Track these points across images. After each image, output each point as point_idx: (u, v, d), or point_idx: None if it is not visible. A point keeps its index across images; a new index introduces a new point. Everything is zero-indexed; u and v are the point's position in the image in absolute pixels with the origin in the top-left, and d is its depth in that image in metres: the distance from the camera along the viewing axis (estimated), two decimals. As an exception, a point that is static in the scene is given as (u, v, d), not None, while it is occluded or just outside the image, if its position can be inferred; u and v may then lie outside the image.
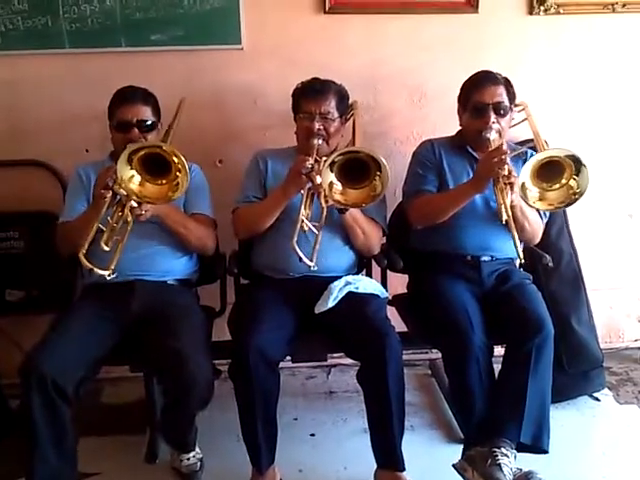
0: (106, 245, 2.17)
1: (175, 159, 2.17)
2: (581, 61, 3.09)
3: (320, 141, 2.48)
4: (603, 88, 3.13)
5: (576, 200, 2.29)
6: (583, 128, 3.13)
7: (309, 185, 2.32)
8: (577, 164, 2.24)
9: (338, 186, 2.27)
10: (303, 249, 2.25)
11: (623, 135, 3.19)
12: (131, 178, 2.18)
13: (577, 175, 2.26)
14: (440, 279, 2.53)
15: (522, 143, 2.78)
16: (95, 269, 2.15)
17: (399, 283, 2.81)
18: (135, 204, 2.21)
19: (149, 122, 2.47)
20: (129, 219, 2.22)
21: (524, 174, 2.26)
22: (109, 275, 2.17)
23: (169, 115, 2.61)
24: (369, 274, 2.78)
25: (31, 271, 2.91)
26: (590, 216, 3.15)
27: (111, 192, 2.18)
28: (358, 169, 2.25)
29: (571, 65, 3.09)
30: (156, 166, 2.19)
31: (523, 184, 2.26)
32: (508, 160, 2.28)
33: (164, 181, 2.22)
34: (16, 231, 2.92)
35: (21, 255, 2.92)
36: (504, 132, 2.51)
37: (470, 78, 2.58)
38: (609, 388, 3.05)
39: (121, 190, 2.17)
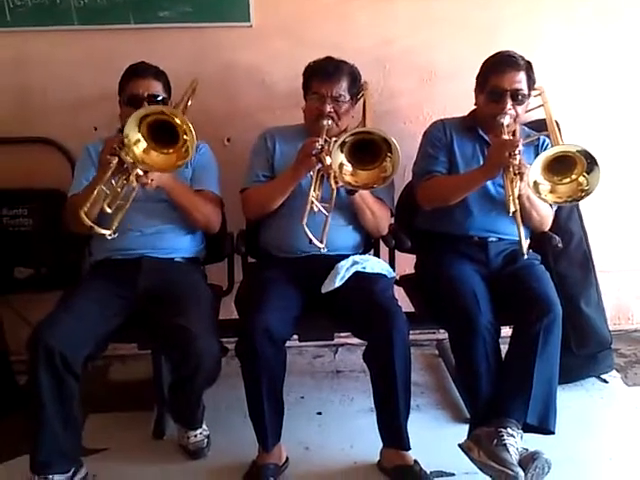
0: (109, 207, 2.12)
1: (178, 121, 2.11)
2: (597, 41, 3.04)
3: (330, 122, 2.46)
4: (619, 68, 3.08)
5: (582, 198, 2.27)
6: (596, 110, 3.10)
7: (319, 166, 2.30)
8: (590, 162, 2.21)
9: (348, 167, 2.25)
10: (310, 230, 2.23)
11: (635, 116, 3.15)
12: (137, 142, 2.14)
13: (588, 173, 2.23)
14: (447, 260, 2.52)
15: (534, 123, 2.75)
16: (95, 227, 2.11)
17: (406, 263, 2.81)
18: (141, 172, 2.17)
19: (160, 97, 2.45)
20: (134, 185, 2.18)
21: (535, 168, 2.22)
22: (110, 235, 2.13)
23: (176, 93, 2.59)
24: (377, 254, 2.77)
25: (39, 248, 2.92)
26: (600, 197, 3.10)
27: (117, 158, 2.14)
28: (368, 150, 2.23)
29: (587, 45, 3.04)
30: (163, 136, 2.16)
31: (535, 180, 2.24)
32: (520, 147, 2.26)
33: (171, 150, 2.18)
34: (25, 208, 2.91)
35: (30, 232, 2.92)
36: (519, 118, 2.48)
37: (491, 59, 2.50)
38: (617, 370, 3.05)
39: (127, 157, 2.13)
